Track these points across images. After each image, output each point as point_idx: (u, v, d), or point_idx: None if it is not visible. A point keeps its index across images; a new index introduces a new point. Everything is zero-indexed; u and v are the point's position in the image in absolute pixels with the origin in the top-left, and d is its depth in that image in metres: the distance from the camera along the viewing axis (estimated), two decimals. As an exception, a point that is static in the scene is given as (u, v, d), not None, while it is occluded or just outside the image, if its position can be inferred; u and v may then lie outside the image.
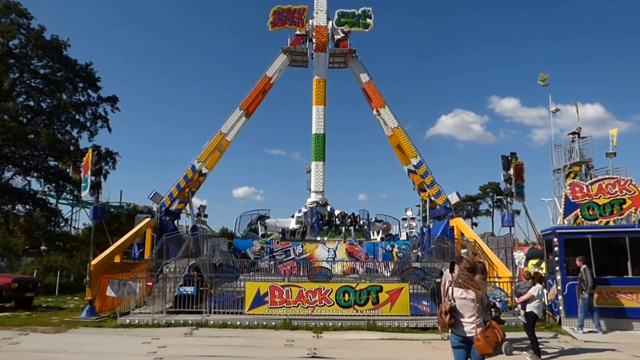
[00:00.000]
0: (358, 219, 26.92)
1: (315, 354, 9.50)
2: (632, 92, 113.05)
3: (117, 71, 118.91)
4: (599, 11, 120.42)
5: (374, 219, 28.29)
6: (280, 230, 26.64)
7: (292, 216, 27.86)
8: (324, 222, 25.70)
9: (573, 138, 18.14)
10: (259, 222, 27.20)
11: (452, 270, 12.43)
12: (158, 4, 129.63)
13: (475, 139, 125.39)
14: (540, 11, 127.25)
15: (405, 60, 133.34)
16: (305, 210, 26.80)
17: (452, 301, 5.29)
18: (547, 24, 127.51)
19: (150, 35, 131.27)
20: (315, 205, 26.70)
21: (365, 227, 26.64)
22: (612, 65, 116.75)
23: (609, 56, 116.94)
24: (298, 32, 27.67)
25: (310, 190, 27.88)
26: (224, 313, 13.77)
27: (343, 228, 25.43)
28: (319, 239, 24.57)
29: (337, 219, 26.31)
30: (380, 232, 27.44)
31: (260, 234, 26.34)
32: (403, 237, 26.97)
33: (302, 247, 23.71)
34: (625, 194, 13.12)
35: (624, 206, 13.10)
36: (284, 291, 13.51)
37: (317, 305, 13.36)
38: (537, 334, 9.79)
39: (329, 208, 26.64)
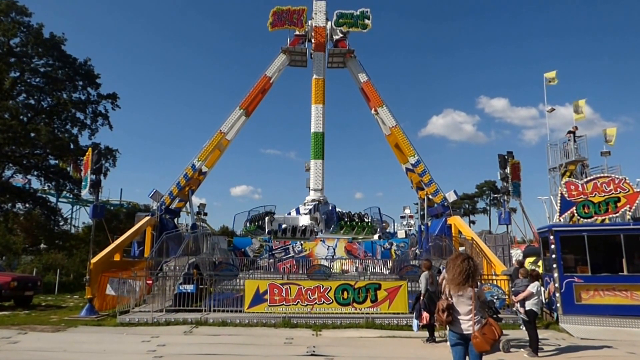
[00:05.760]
0: (366, 217, 26.87)
1: (314, 351, 9.55)
2: (619, 93, 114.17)
3: (117, 68, 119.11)
4: (587, 12, 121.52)
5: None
6: (289, 227, 25.60)
7: (298, 211, 27.00)
8: (339, 218, 25.66)
9: (569, 137, 18.24)
10: (266, 219, 25.75)
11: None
12: (160, 2, 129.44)
13: (467, 139, 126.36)
14: (529, 13, 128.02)
15: (395, 61, 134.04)
16: (310, 207, 26.59)
17: (450, 299, 5.32)
18: (536, 25, 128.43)
19: (151, 33, 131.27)
20: (317, 203, 26.66)
21: (376, 224, 26.38)
22: (600, 66, 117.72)
23: (597, 57, 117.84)
24: (297, 33, 27.79)
25: (309, 188, 27.92)
26: (223, 311, 13.83)
27: (356, 224, 25.28)
28: (329, 236, 24.32)
29: (346, 217, 26.27)
30: (378, 229, 27.40)
31: (267, 230, 25.28)
32: (401, 235, 27.06)
33: (301, 245, 23.78)
34: (620, 192, 13.20)
35: (619, 204, 13.18)
36: (283, 289, 13.58)
37: (316, 303, 13.44)
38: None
39: (330, 207, 26.64)
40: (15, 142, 31.19)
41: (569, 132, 18.46)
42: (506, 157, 21.12)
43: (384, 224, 27.93)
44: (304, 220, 26.00)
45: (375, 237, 25.65)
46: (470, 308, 5.16)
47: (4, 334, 11.27)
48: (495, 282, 14.25)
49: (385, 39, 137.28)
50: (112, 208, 43.19)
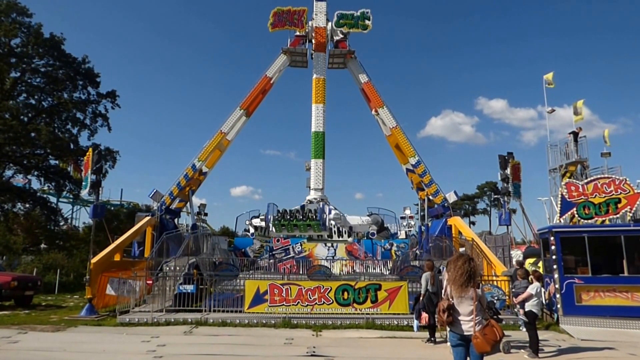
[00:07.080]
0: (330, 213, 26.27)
1: (314, 352, 9.55)
2: (618, 94, 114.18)
3: (116, 69, 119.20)
4: (587, 12, 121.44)
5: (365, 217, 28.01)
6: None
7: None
8: (280, 217, 25.19)
9: (570, 138, 18.25)
10: (247, 223, 27.70)
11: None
12: (160, 2, 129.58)
13: (466, 140, 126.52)
14: (528, 13, 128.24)
15: (394, 61, 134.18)
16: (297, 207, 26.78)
17: (451, 299, 5.30)
18: (535, 25, 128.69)
19: (151, 33, 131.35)
20: (309, 202, 26.68)
21: (320, 221, 25.23)
22: (599, 68, 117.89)
23: (596, 58, 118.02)
24: (298, 33, 27.80)
25: (309, 187, 27.95)
26: (223, 311, 13.83)
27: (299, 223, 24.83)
28: (276, 234, 24.95)
29: (288, 215, 25.62)
30: (370, 226, 27.04)
31: (250, 233, 26.76)
32: (402, 235, 27.04)
33: (301, 245, 23.82)
34: (621, 193, 13.18)
35: (619, 205, 13.16)
36: (284, 289, 13.58)
37: (316, 303, 13.44)
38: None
39: (320, 205, 26.54)
40: (16, 142, 31.22)
41: (571, 132, 18.45)
42: (506, 157, 21.13)
43: (371, 218, 27.49)
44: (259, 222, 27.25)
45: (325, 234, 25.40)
46: (471, 309, 5.13)
47: (4, 333, 11.27)
48: (495, 283, 14.24)
49: (386, 40, 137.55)
50: (112, 208, 43.18)
